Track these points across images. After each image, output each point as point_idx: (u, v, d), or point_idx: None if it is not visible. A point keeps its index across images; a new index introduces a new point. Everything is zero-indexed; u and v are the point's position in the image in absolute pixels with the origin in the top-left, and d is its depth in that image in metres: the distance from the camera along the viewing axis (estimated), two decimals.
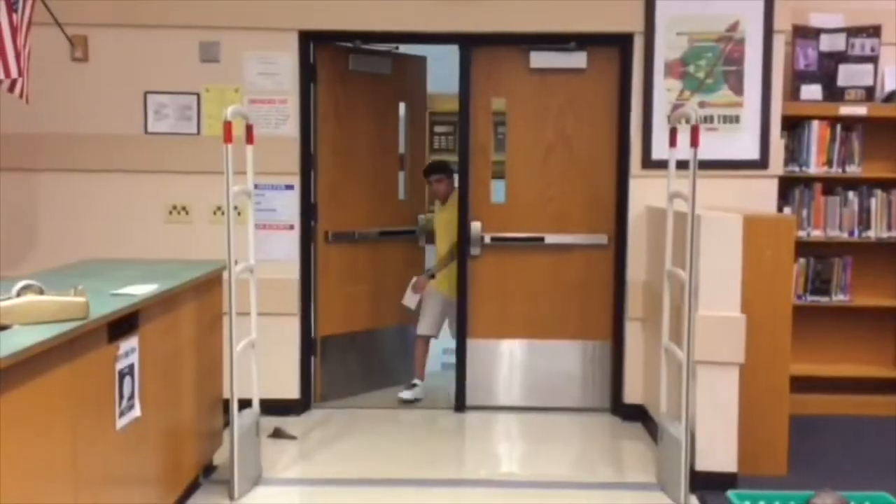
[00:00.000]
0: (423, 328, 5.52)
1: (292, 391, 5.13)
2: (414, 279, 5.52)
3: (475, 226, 5.20)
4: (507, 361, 5.33)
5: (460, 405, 5.27)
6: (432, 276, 5.53)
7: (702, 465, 3.91)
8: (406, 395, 5.40)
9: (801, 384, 4.75)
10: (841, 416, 5.00)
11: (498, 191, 5.32)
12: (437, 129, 7.88)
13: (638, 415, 5.04)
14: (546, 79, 5.19)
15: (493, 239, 5.24)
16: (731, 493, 1.71)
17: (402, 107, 5.73)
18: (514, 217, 5.25)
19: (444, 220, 5.51)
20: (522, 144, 5.25)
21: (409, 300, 5.52)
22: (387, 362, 5.69)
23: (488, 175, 5.28)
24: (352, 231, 5.34)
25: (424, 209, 5.95)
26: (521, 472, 4.41)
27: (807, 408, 4.76)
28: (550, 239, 5.22)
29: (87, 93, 4.98)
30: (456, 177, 5.34)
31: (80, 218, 5.01)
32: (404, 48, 5.56)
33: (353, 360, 5.48)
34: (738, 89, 4.95)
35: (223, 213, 4.81)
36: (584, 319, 5.27)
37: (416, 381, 5.48)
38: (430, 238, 5.74)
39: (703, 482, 3.87)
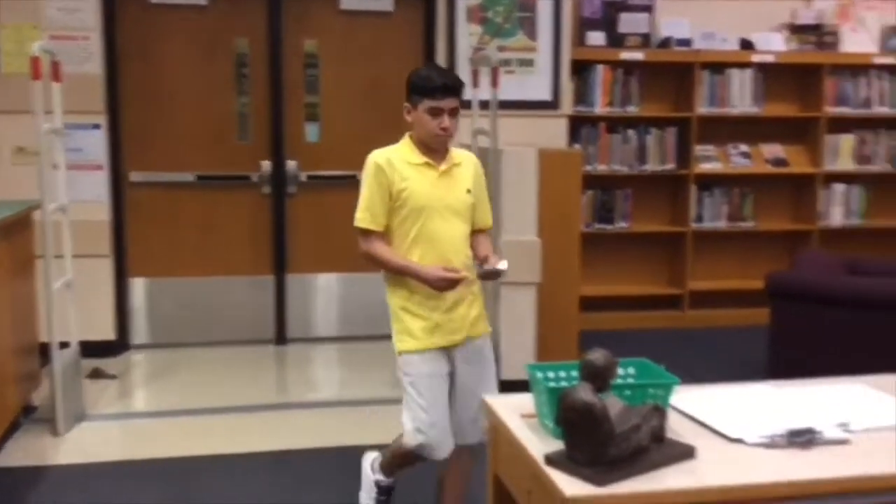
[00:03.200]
0: (413, 431, 2.82)
1: (108, 333, 5.12)
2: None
3: (291, 164, 5.35)
4: (325, 294, 5.56)
5: (281, 338, 5.45)
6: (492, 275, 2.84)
7: (506, 374, 4.34)
8: None
9: (592, 303, 5.34)
10: (625, 331, 5.63)
11: (312, 131, 5.47)
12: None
13: None
14: (356, 21, 5.37)
15: (308, 177, 5.40)
16: (527, 365, 2.05)
17: (243, 42, 5.30)
18: (329, 156, 5.43)
19: (439, 196, 2.84)
20: (335, 85, 5.41)
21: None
22: (216, 313, 5.41)
23: (301, 115, 5.41)
24: (163, 173, 5.28)
25: (269, 153, 5.31)
26: (342, 394, 4.69)
27: (597, 324, 5.33)
28: None
29: None
30: None
31: None
32: None
33: (176, 307, 5.40)
34: (532, 35, 5.35)
35: (26, 153, 4.72)
36: None
37: None
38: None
39: (507, 389, 4.29)
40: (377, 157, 2.87)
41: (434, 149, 2.84)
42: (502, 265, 2.77)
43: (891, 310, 3.99)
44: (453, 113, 2.79)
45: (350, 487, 3.48)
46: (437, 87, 2.77)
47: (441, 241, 2.81)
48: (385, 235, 2.85)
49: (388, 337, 2.94)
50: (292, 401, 4.55)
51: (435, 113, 2.77)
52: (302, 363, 5.26)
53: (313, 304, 5.54)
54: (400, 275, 2.83)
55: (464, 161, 2.92)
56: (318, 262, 5.49)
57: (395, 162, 2.84)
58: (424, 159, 2.84)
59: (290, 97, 5.36)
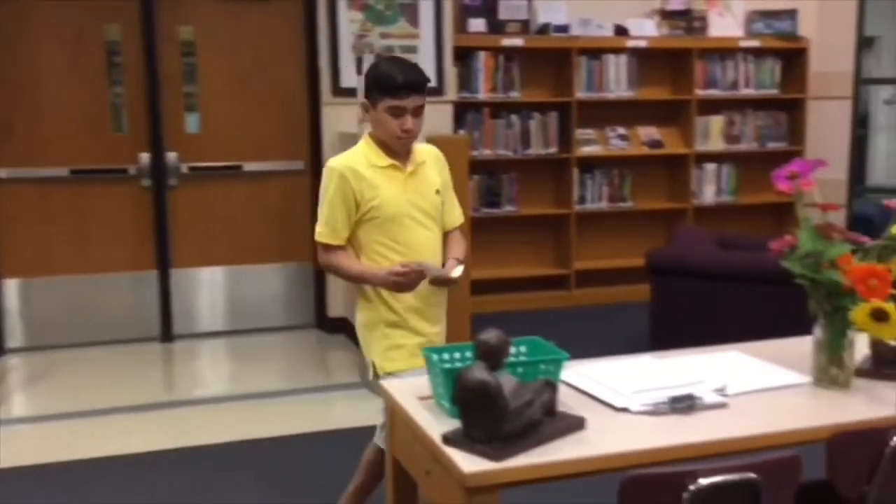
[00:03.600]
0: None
1: None
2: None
3: (171, 156, 5.20)
4: (211, 288, 5.44)
5: (167, 335, 5.31)
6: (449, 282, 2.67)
7: None
8: None
9: (482, 286, 5.43)
10: (516, 312, 5.75)
11: (192, 121, 5.33)
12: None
13: (342, 327, 5.41)
14: (234, 7, 5.25)
15: (190, 169, 5.27)
16: (422, 348, 2.09)
17: (114, 30, 5.12)
18: (210, 146, 5.31)
19: (409, 199, 2.61)
20: (214, 74, 5.28)
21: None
22: (97, 311, 5.22)
23: (180, 105, 5.26)
24: (34, 169, 5.03)
25: (147, 145, 5.15)
26: (233, 388, 4.61)
27: (488, 306, 5.42)
28: (249, 166, 5.36)
29: None
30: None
31: None
32: None
33: (53, 307, 5.17)
34: (414, 21, 5.36)
35: None
36: (284, 242, 5.51)
37: None
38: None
39: None
40: (339, 166, 2.56)
41: (396, 150, 2.60)
42: (456, 273, 2.56)
43: (760, 282, 4.22)
44: (417, 112, 2.52)
45: (244, 481, 3.44)
46: (398, 84, 2.48)
47: (417, 248, 2.58)
48: (347, 247, 2.60)
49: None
50: (181, 398, 4.44)
51: (397, 113, 2.49)
52: (190, 359, 5.14)
53: (199, 298, 5.42)
54: (358, 283, 2.61)
55: (428, 158, 2.67)
56: (202, 255, 5.37)
57: (360, 170, 2.55)
58: (390, 161, 2.57)
59: (168, 87, 5.19)
